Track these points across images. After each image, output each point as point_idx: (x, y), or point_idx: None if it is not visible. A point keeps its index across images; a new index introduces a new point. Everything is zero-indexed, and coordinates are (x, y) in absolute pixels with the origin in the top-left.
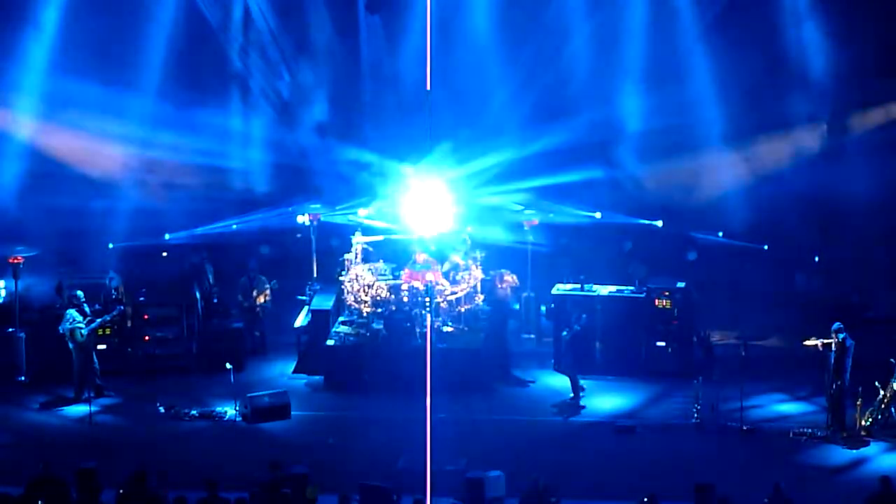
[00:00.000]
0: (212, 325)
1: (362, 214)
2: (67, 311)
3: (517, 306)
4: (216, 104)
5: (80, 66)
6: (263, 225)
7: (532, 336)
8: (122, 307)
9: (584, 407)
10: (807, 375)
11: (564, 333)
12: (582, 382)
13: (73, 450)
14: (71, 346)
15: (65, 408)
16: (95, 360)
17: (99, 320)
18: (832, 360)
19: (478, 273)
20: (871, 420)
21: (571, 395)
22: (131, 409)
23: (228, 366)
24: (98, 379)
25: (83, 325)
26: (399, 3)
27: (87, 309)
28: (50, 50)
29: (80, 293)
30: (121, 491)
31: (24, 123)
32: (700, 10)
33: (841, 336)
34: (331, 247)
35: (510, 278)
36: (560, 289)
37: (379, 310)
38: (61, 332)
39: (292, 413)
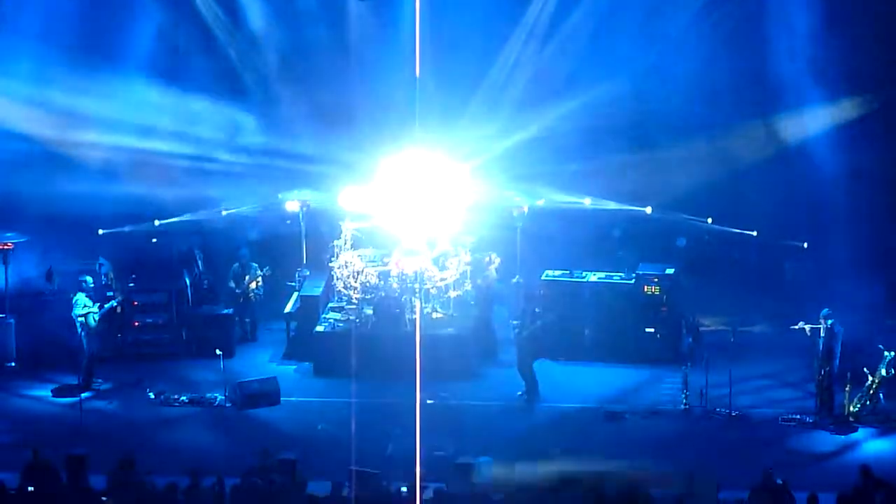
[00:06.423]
0: (201, 311)
1: (351, 201)
2: (77, 296)
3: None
4: (205, 92)
5: (68, 47)
6: (253, 211)
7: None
8: (114, 293)
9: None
10: (796, 361)
11: (516, 329)
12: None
13: (63, 436)
14: (82, 332)
15: (60, 396)
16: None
17: (108, 305)
18: (821, 346)
19: (466, 258)
20: (859, 405)
21: (522, 391)
22: (121, 395)
23: (218, 352)
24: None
25: (97, 311)
26: None
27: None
28: (35, 29)
29: (88, 278)
30: (110, 477)
31: (10, 106)
32: None
33: (829, 322)
34: (321, 233)
35: (495, 260)
36: (549, 275)
37: (368, 296)
38: (74, 317)
39: (282, 399)
